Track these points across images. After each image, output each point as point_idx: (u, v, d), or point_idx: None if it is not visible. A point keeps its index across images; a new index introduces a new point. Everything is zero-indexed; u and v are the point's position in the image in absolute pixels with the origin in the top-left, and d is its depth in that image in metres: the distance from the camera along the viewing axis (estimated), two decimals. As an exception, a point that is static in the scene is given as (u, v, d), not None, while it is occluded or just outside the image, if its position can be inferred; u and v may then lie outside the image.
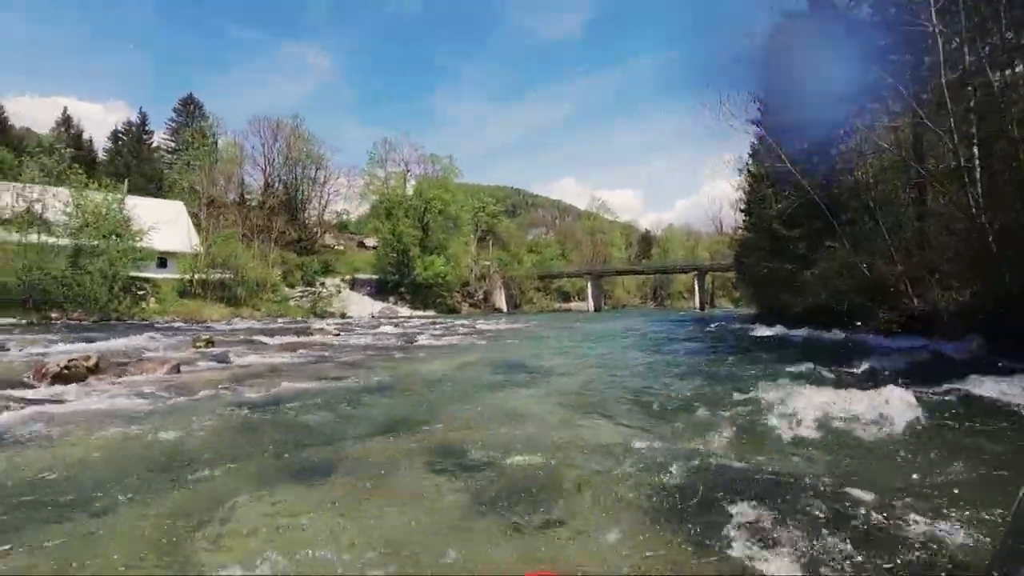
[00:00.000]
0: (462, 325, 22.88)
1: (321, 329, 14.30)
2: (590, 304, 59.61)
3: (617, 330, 18.94)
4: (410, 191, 55.03)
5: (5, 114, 60.17)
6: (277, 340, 12.03)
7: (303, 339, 12.29)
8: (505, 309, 58.51)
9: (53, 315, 22.16)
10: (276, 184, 60.82)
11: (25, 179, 23.33)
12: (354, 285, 54.75)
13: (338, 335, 13.77)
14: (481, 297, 57.14)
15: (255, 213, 50.45)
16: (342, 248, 69.69)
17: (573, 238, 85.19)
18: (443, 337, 14.06)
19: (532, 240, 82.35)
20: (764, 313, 29.72)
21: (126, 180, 34.95)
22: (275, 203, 56.82)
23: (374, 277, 55.42)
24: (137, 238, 27.84)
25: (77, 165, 27.23)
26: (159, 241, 35.02)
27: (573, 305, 70.63)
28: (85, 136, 64.55)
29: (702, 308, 53.99)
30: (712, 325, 18.60)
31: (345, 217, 66.09)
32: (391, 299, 52.48)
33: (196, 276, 31.90)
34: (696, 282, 55.49)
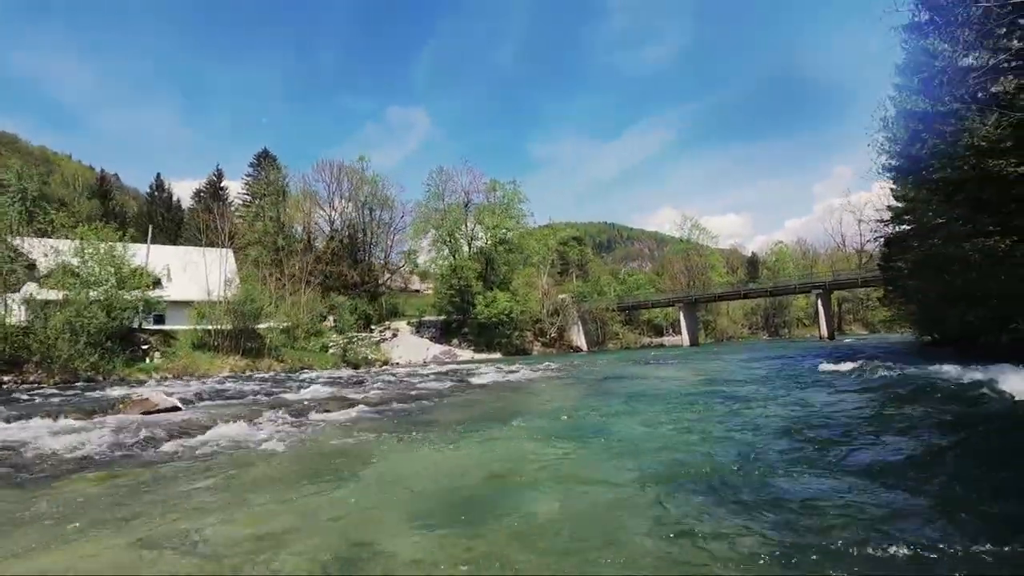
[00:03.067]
0: (454, 374, 16.57)
1: (127, 400, 8.65)
2: (684, 337, 50.49)
3: (691, 378, 11.76)
4: (471, 223, 50.38)
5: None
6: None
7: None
8: (584, 348, 51.17)
9: (5, 378, 19.01)
10: (342, 227, 59.47)
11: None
12: (420, 328, 50.60)
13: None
14: (555, 335, 50.34)
15: (308, 258, 48.14)
16: (417, 289, 66.82)
17: (670, 268, 76.16)
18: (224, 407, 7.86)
19: (616, 269, 74.60)
20: (939, 340, 19.85)
21: (150, 228, 33.37)
22: (335, 246, 54.89)
23: (441, 318, 50.99)
24: (134, 287, 25.02)
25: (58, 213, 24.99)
26: (181, 291, 32.63)
27: (667, 339, 61.45)
28: (175, 199, 68.52)
29: (831, 337, 43.00)
30: (857, 362, 10.98)
31: (414, 257, 62.99)
32: (455, 341, 47.46)
33: (213, 327, 28.60)
34: (820, 304, 44.64)
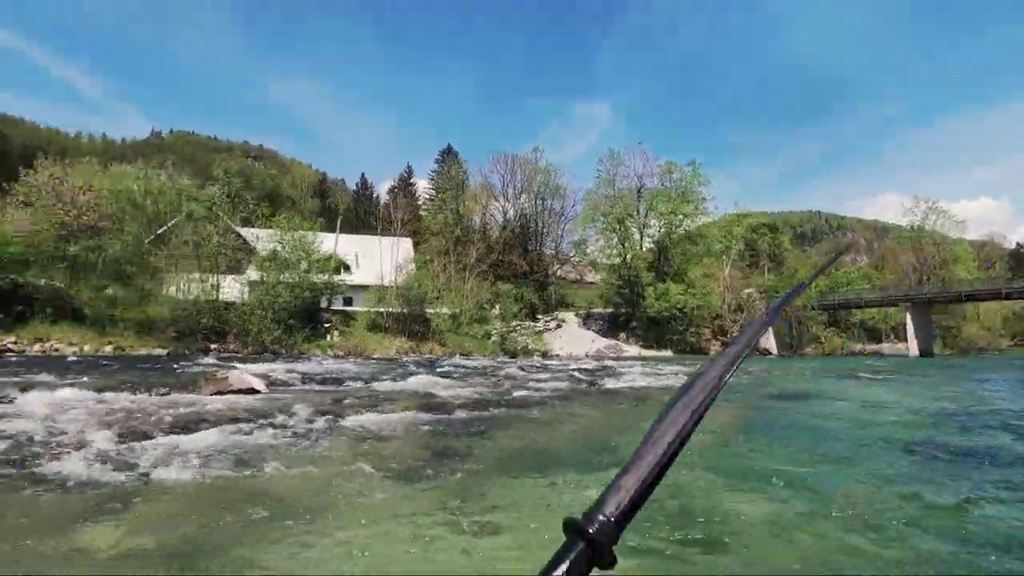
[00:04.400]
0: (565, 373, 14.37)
1: (226, 381, 8.17)
2: (912, 345, 40.52)
3: (928, 409, 8.24)
4: (643, 209, 46.88)
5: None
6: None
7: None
8: (775, 351, 44.36)
9: (212, 346, 22.13)
10: (514, 217, 60.41)
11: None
12: (587, 319, 49.06)
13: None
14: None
15: (480, 247, 49.46)
16: (592, 281, 65.14)
17: (892, 261, 62.72)
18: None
19: (820, 262, 63.76)
20: None
21: (339, 220, 36.86)
22: (507, 236, 55.81)
23: (608, 311, 48.79)
24: (320, 271, 27.65)
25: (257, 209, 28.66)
26: (363, 276, 35.44)
27: (886, 347, 50.60)
28: (375, 195, 76.93)
29: None
30: None
31: (584, 247, 61.39)
32: (622, 335, 44.79)
33: (385, 309, 30.48)
34: None
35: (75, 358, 18.02)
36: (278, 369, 12.77)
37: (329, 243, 33.75)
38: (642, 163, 47.85)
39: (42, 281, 20.92)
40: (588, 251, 54.72)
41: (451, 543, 2.83)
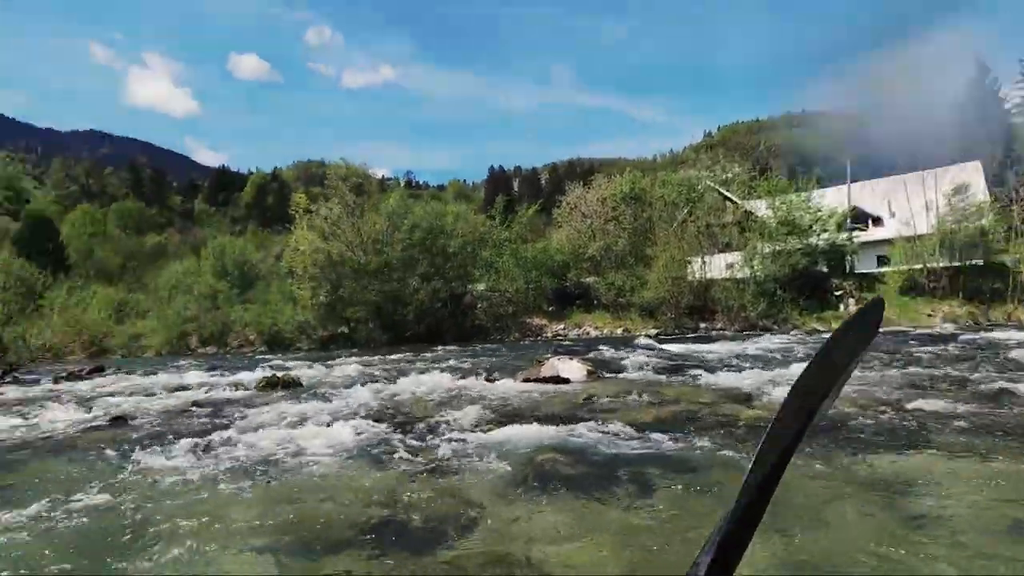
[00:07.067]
0: None
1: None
2: None
3: None
4: None
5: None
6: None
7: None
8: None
9: (702, 324, 22.09)
10: None
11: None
12: None
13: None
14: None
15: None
16: None
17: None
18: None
19: None
20: None
21: (848, 166, 29.91)
22: None
23: None
24: (822, 231, 23.25)
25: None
26: (892, 229, 28.07)
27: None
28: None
29: None
30: None
31: None
32: None
33: (923, 265, 22.57)
34: None
35: (596, 337, 21.97)
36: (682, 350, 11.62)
37: (834, 197, 28.15)
38: None
39: (579, 279, 26.58)
40: None
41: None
